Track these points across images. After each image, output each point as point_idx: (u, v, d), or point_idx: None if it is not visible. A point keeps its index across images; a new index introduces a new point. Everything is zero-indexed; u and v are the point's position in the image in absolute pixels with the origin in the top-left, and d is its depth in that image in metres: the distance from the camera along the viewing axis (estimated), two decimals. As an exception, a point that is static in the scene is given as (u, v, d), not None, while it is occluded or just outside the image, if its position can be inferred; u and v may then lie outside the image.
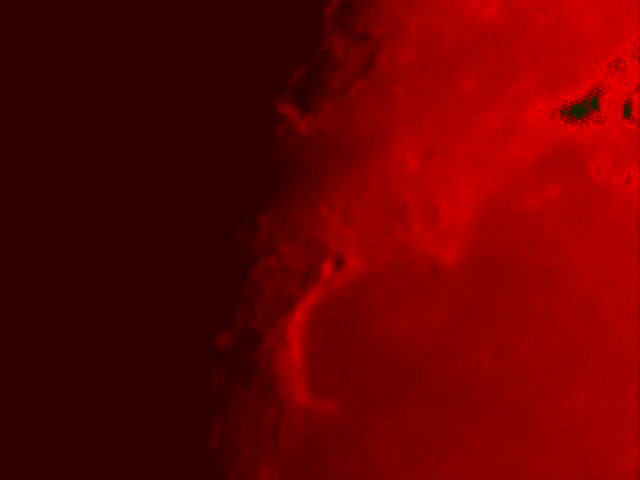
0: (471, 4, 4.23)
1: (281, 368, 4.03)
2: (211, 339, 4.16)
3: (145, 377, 4.20)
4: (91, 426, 4.19)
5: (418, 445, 3.91)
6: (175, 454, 4.10)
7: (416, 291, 4.01)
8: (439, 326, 3.97)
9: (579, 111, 4.11)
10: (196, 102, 4.36)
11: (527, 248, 3.99)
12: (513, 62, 4.21)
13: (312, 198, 4.22)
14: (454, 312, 3.98)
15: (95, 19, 4.51)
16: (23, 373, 4.32)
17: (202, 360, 4.15)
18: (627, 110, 4.09)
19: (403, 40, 4.24)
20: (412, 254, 4.06)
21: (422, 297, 4.01)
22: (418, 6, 4.25)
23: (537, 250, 4.00)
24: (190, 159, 4.30)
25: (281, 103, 4.30)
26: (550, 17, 4.18)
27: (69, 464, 4.19)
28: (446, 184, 4.10)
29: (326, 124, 4.26)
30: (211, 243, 4.24)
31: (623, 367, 3.82)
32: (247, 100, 4.33)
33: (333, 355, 4.01)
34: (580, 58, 4.17)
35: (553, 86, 4.15)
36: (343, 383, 3.94)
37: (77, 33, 4.53)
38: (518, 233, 4.02)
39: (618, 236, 3.99)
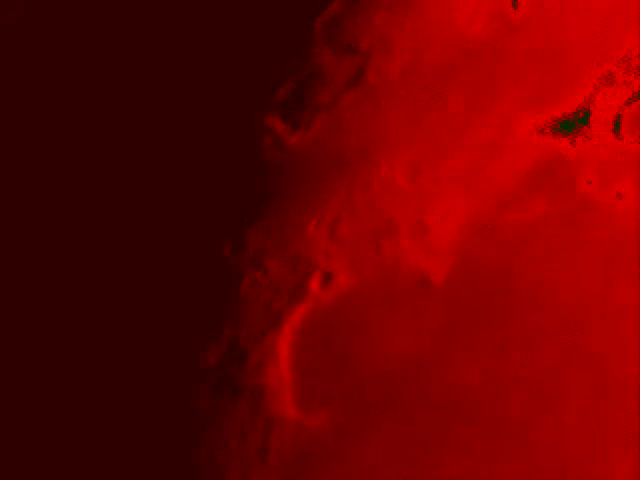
0: (459, 19, 4.23)
1: (270, 382, 4.03)
2: (199, 354, 4.15)
3: (132, 393, 4.19)
4: (80, 443, 4.18)
5: (406, 464, 3.89)
6: (163, 469, 4.08)
7: (405, 306, 4.00)
8: (428, 341, 3.96)
9: (568, 126, 4.10)
10: (184, 117, 4.36)
11: (516, 263, 3.98)
12: (501, 77, 4.21)
13: (300, 213, 4.22)
14: (443, 327, 3.97)
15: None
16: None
17: (190, 375, 4.14)
18: (617, 126, 4.07)
19: (391, 54, 4.24)
20: (401, 269, 4.05)
21: (411, 311, 4.00)
22: (406, 20, 4.25)
23: (525, 265, 3.99)
24: (178, 173, 4.30)
25: (269, 118, 4.30)
26: (538, 32, 4.18)
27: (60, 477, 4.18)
28: (434, 199, 4.10)
29: (314, 139, 4.26)
30: (198, 258, 4.24)
31: (610, 381, 3.81)
32: (235, 115, 4.34)
33: (322, 369, 4.00)
34: (569, 74, 4.16)
35: (542, 101, 4.14)
36: (333, 396, 3.94)
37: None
38: (507, 248, 4.01)
39: (607, 252, 3.98)
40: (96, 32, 4.50)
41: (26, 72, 4.57)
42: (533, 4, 4.15)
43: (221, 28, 4.40)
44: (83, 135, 4.46)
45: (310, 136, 4.26)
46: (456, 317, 3.99)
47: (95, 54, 4.49)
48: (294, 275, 4.13)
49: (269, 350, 4.06)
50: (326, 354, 4.02)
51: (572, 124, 4.12)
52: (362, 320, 4.04)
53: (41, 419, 4.22)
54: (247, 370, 4.06)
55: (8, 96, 4.53)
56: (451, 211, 4.08)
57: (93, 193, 4.38)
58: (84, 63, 4.49)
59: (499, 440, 3.82)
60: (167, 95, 4.38)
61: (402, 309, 4.02)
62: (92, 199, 4.37)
